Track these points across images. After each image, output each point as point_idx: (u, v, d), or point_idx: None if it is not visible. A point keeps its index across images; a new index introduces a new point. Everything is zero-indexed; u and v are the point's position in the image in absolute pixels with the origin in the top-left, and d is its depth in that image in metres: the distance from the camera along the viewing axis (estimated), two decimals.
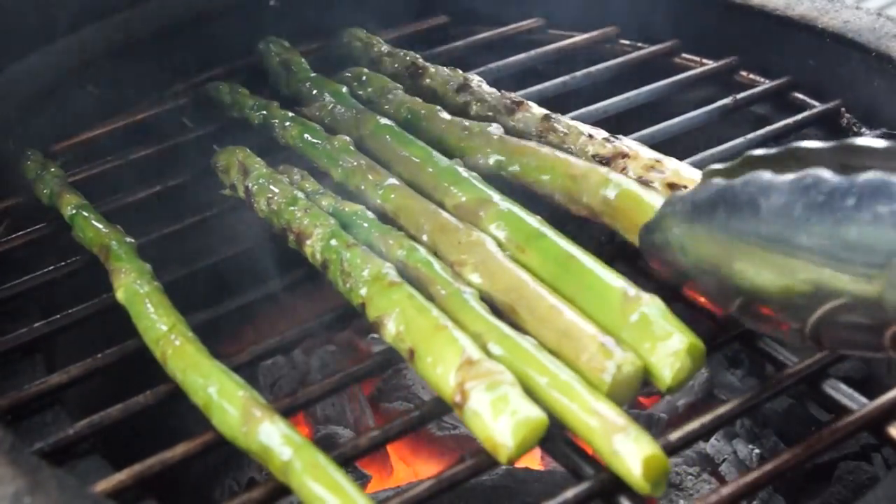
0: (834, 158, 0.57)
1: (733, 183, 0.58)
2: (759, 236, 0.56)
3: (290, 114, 0.93)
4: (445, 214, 0.76)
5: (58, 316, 0.77)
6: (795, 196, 0.54)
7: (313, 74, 1.00)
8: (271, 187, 0.81)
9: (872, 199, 0.51)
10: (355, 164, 0.83)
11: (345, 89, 0.96)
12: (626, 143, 0.82)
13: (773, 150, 0.60)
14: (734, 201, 0.57)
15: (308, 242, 0.76)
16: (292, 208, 0.79)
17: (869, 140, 0.56)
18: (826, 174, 0.53)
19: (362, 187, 0.82)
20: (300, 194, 0.80)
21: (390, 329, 0.66)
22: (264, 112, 0.95)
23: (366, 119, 0.90)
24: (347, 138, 0.87)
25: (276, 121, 0.93)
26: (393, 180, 0.81)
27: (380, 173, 0.82)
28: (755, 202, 0.56)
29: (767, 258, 0.56)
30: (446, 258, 0.72)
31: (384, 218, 0.79)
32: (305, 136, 0.89)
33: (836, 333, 0.56)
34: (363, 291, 0.69)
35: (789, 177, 0.55)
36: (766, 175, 0.56)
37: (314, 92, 0.97)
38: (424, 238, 0.75)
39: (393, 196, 0.79)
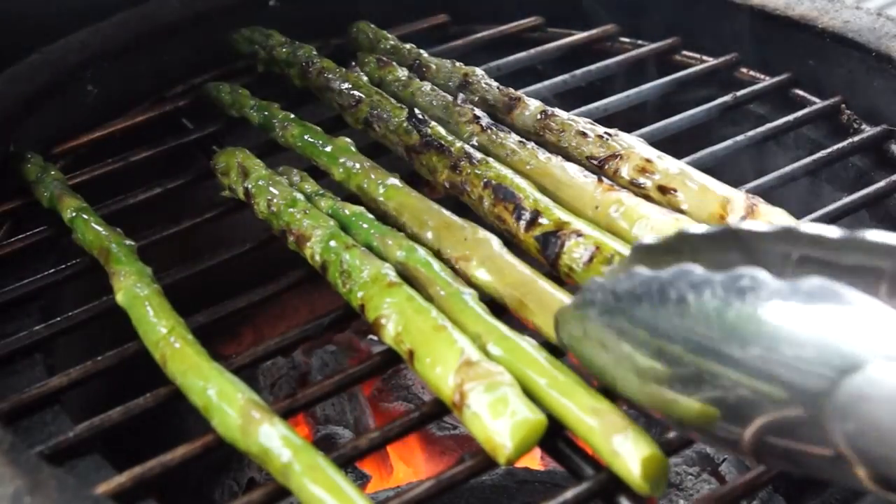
0: (777, 246, 0.51)
1: (660, 274, 0.51)
2: (686, 340, 0.50)
3: (291, 115, 0.93)
4: (449, 213, 0.76)
5: (58, 318, 0.77)
6: (729, 298, 0.48)
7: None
8: (271, 189, 0.82)
9: (817, 310, 0.45)
10: (357, 164, 0.84)
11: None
12: (623, 140, 0.82)
13: (710, 229, 0.53)
14: (661, 296, 0.51)
15: (308, 244, 0.76)
16: (291, 210, 0.79)
17: (819, 228, 0.49)
18: (764, 276, 0.47)
19: (364, 186, 0.82)
20: (299, 196, 0.80)
21: (389, 330, 0.67)
22: (265, 112, 0.95)
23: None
24: (348, 140, 0.88)
25: (277, 121, 0.93)
26: (394, 181, 0.81)
27: (381, 173, 0.82)
28: (684, 299, 0.50)
29: (696, 363, 0.50)
30: (451, 254, 0.72)
31: (385, 218, 0.79)
32: (305, 136, 0.89)
33: (773, 449, 0.50)
34: (362, 293, 0.70)
35: (722, 275, 0.49)
36: (698, 270, 0.50)
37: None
38: (428, 235, 0.75)
39: (395, 195, 0.79)
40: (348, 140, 0.87)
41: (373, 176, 0.82)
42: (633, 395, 0.54)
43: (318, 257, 0.75)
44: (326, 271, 0.74)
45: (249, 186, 0.83)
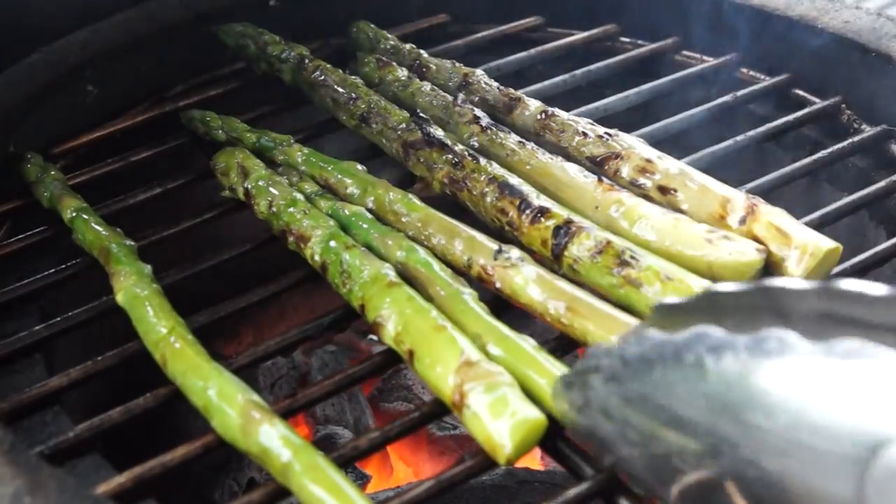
0: (813, 305, 0.46)
1: (675, 338, 0.48)
2: (704, 408, 0.46)
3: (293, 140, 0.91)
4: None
5: (58, 318, 0.77)
6: (754, 362, 0.44)
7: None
8: (271, 189, 0.81)
9: (853, 375, 0.42)
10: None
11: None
12: (623, 140, 0.82)
13: (739, 287, 0.49)
14: (675, 360, 0.47)
15: (308, 244, 0.76)
16: (291, 210, 0.79)
17: (861, 285, 0.45)
18: (793, 338, 0.43)
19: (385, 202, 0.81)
20: (299, 196, 0.80)
21: (389, 330, 0.67)
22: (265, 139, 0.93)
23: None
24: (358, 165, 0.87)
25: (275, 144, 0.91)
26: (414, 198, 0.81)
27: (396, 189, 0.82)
28: (702, 363, 0.46)
29: (713, 433, 0.46)
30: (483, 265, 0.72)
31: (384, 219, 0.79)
32: (312, 159, 0.88)
33: None
34: (362, 293, 0.70)
35: (745, 337, 0.45)
36: (718, 332, 0.46)
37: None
38: (458, 245, 0.74)
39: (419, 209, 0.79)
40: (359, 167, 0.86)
41: (391, 193, 0.80)
42: (637, 469, 0.51)
43: (318, 257, 0.75)
44: (326, 271, 0.74)
45: (249, 186, 0.83)
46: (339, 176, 0.84)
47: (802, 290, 0.46)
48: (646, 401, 0.49)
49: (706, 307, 0.50)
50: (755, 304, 0.48)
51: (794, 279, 0.48)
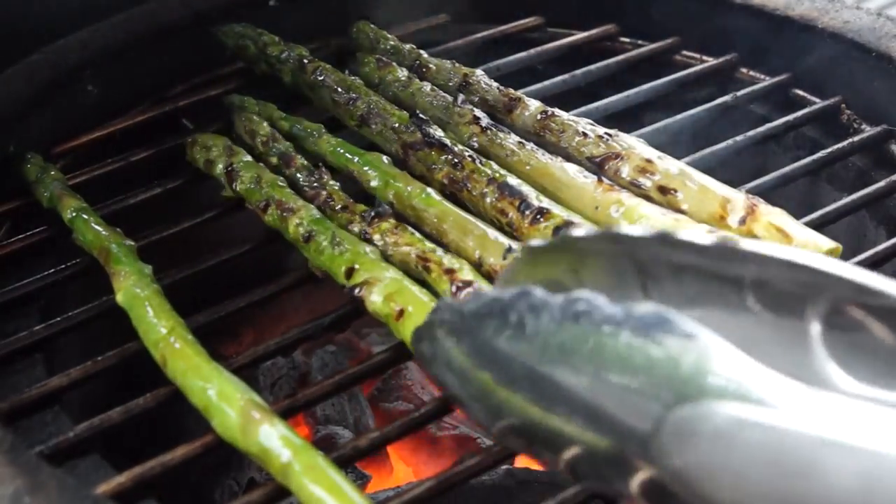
0: (657, 251, 0.49)
1: (503, 295, 0.51)
2: (522, 364, 0.49)
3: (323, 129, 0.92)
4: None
5: (58, 318, 0.77)
6: (564, 322, 0.47)
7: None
8: (255, 170, 0.84)
9: (646, 339, 0.45)
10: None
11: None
12: (623, 140, 0.82)
13: (592, 232, 0.52)
14: (502, 317, 0.50)
15: (294, 214, 0.78)
16: (280, 184, 0.82)
17: (692, 234, 0.48)
18: (600, 301, 0.47)
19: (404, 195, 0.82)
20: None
21: (378, 291, 0.68)
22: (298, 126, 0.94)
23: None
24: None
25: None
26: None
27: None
28: (522, 322, 0.49)
29: (528, 387, 0.49)
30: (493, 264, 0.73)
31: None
32: (339, 149, 0.89)
33: (589, 474, 0.49)
34: (353, 256, 0.72)
35: (560, 298, 0.48)
36: (539, 292, 0.49)
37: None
38: (469, 243, 0.75)
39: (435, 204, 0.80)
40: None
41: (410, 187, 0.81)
42: (476, 414, 0.54)
43: (303, 228, 0.76)
44: (310, 240, 0.75)
45: (234, 165, 0.86)
46: (365, 167, 0.84)
47: (645, 238, 0.49)
48: (479, 355, 0.51)
49: (568, 250, 0.52)
50: (613, 251, 0.50)
51: (638, 227, 0.51)
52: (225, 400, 0.62)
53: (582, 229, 0.53)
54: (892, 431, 0.40)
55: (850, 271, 0.44)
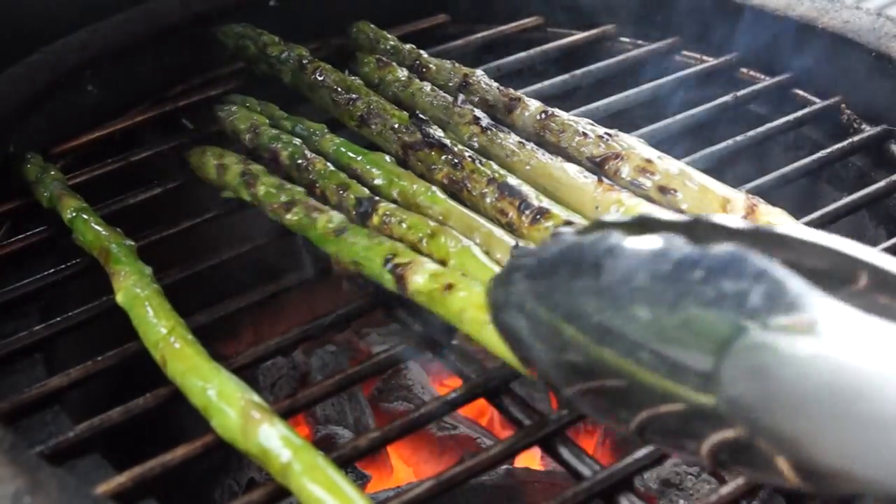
0: (688, 233, 0.49)
1: (582, 240, 0.51)
2: (597, 305, 0.49)
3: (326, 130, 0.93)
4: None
5: (58, 318, 0.77)
6: (641, 261, 0.48)
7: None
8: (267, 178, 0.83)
9: (720, 274, 0.45)
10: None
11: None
12: (623, 140, 0.82)
13: (627, 218, 0.52)
14: (579, 260, 0.50)
15: (320, 215, 0.77)
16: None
17: (726, 218, 0.49)
18: (678, 241, 0.47)
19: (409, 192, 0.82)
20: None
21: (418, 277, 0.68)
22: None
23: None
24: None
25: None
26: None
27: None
28: (599, 264, 0.49)
29: (602, 330, 0.49)
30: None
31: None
32: (342, 148, 0.89)
33: (660, 434, 0.49)
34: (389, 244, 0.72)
35: (636, 239, 0.49)
36: (617, 235, 0.49)
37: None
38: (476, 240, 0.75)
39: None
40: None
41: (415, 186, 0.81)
42: (545, 367, 0.53)
43: (333, 225, 0.76)
44: (342, 234, 0.75)
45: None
46: (368, 166, 0.84)
47: (678, 221, 0.49)
48: (552, 296, 0.51)
49: (647, 227, 0.51)
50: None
51: (669, 213, 0.52)
52: (225, 400, 0.62)
53: (616, 215, 0.55)
54: None
55: (882, 258, 0.44)
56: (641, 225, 0.50)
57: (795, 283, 0.44)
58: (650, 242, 0.48)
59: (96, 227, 0.81)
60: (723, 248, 0.46)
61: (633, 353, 0.47)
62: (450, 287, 0.67)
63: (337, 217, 0.76)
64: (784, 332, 0.43)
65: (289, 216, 0.79)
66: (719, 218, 0.49)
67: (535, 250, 0.54)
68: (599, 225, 0.52)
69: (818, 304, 0.43)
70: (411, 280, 0.69)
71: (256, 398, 0.62)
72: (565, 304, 0.50)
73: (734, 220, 0.48)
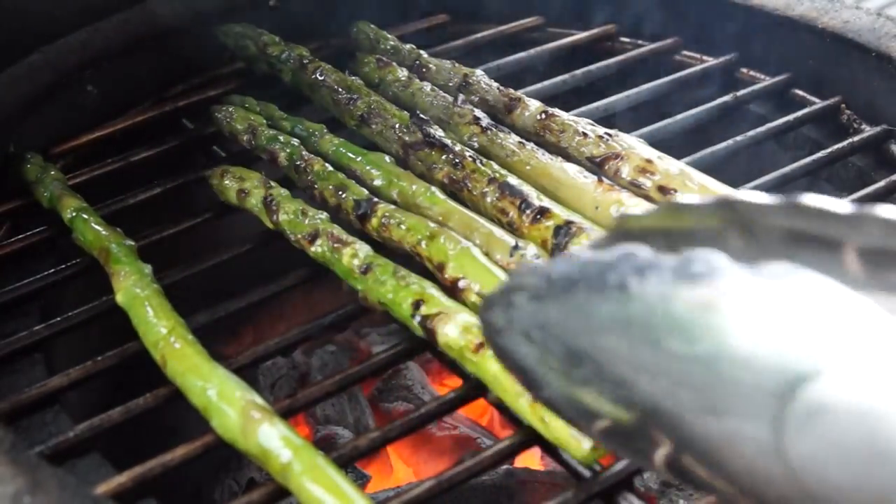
0: (781, 220, 0.42)
1: (601, 256, 0.44)
2: (624, 332, 0.43)
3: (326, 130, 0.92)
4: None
5: (58, 318, 0.77)
6: (679, 285, 0.41)
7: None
8: (290, 205, 0.81)
9: (779, 303, 0.38)
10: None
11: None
12: (623, 140, 0.82)
13: (704, 201, 0.45)
14: (599, 280, 0.44)
15: (344, 248, 0.75)
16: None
17: (827, 201, 0.41)
18: (721, 261, 0.40)
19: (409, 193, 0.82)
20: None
21: (449, 328, 0.65)
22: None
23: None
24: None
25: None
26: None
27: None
28: (625, 285, 0.43)
29: (633, 360, 0.43)
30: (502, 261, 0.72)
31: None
32: (341, 149, 0.88)
33: (686, 476, 0.44)
34: (417, 286, 0.69)
35: (673, 258, 0.42)
36: (644, 251, 0.43)
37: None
38: (476, 241, 0.74)
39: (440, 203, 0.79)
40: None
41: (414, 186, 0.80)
42: (553, 397, 0.48)
43: (358, 261, 0.73)
44: (368, 272, 0.72)
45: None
46: (367, 167, 0.84)
47: (766, 206, 0.42)
48: (567, 323, 0.45)
49: (670, 221, 0.45)
50: (722, 218, 0.43)
51: (758, 193, 0.42)
52: (225, 400, 0.62)
53: (693, 197, 0.46)
54: None
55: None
56: (670, 216, 0.44)
57: (840, 310, 0.38)
58: (688, 262, 0.41)
59: (96, 227, 0.81)
60: (778, 269, 0.39)
61: (674, 395, 0.41)
62: (482, 346, 0.62)
63: (362, 250, 0.74)
64: (834, 377, 0.37)
65: (313, 249, 0.76)
66: (816, 201, 0.41)
67: (540, 268, 0.47)
68: (619, 235, 0.46)
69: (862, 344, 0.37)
70: (441, 332, 0.65)
71: (257, 398, 0.62)
72: (584, 334, 0.44)
73: (836, 203, 0.41)
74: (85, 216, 0.82)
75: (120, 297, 0.73)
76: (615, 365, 0.44)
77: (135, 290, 0.73)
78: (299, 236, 0.77)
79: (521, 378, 0.51)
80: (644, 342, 0.42)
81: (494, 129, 0.86)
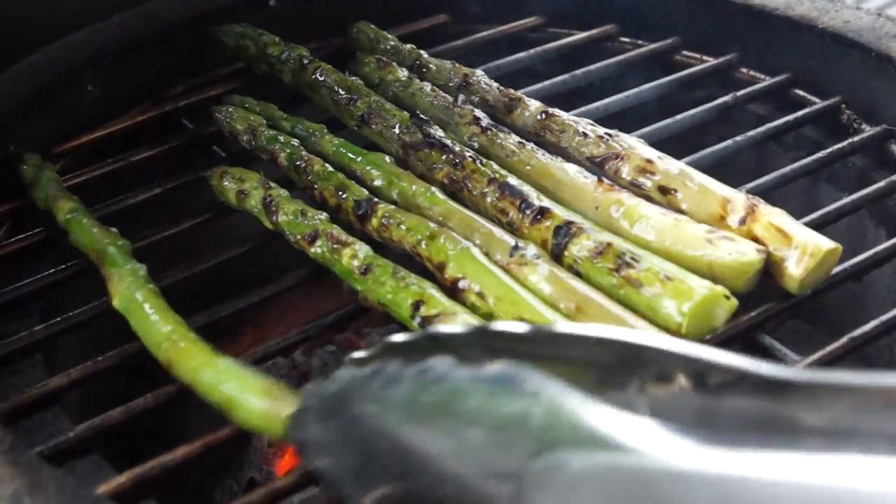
0: (473, 343, 0.50)
1: (362, 373, 0.52)
2: (388, 434, 0.49)
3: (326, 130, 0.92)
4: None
5: (58, 318, 0.77)
6: (419, 389, 0.49)
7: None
8: (290, 206, 0.81)
9: (496, 397, 0.46)
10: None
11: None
12: (623, 140, 0.82)
13: (411, 337, 0.53)
14: (362, 394, 0.51)
15: (344, 249, 0.75)
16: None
17: (508, 324, 0.50)
18: (448, 366, 0.48)
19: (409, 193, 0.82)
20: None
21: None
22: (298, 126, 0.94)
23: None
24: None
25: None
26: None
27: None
28: (378, 396, 0.50)
29: (397, 458, 0.49)
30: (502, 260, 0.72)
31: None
32: (341, 149, 0.88)
33: None
34: (416, 288, 0.69)
35: (413, 369, 0.49)
36: (394, 365, 0.50)
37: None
38: (477, 241, 0.74)
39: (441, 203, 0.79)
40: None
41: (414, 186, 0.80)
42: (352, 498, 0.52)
43: (358, 261, 0.74)
44: (368, 273, 0.72)
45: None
46: (368, 167, 0.84)
47: (463, 334, 0.50)
48: (347, 436, 0.51)
49: (432, 346, 0.51)
50: (424, 351, 0.51)
51: (456, 327, 0.53)
52: (249, 390, 0.62)
53: (403, 335, 0.54)
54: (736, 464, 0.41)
55: (666, 342, 0.45)
56: (428, 342, 0.51)
57: (571, 400, 0.44)
58: (423, 371, 0.49)
59: (91, 229, 0.80)
60: (495, 369, 0.47)
61: (435, 483, 0.47)
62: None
63: (362, 251, 0.74)
64: (570, 450, 0.43)
65: (313, 250, 0.76)
66: (502, 325, 0.50)
67: (320, 389, 0.53)
68: (382, 351, 0.52)
69: (599, 420, 0.44)
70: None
71: (279, 383, 0.62)
72: (361, 440, 0.51)
73: (517, 326, 0.49)
74: (80, 218, 0.82)
75: (116, 302, 0.73)
76: (389, 467, 0.50)
77: (131, 293, 0.72)
78: (299, 237, 0.77)
79: (330, 485, 0.54)
80: (400, 443, 0.49)
81: (494, 130, 0.86)
